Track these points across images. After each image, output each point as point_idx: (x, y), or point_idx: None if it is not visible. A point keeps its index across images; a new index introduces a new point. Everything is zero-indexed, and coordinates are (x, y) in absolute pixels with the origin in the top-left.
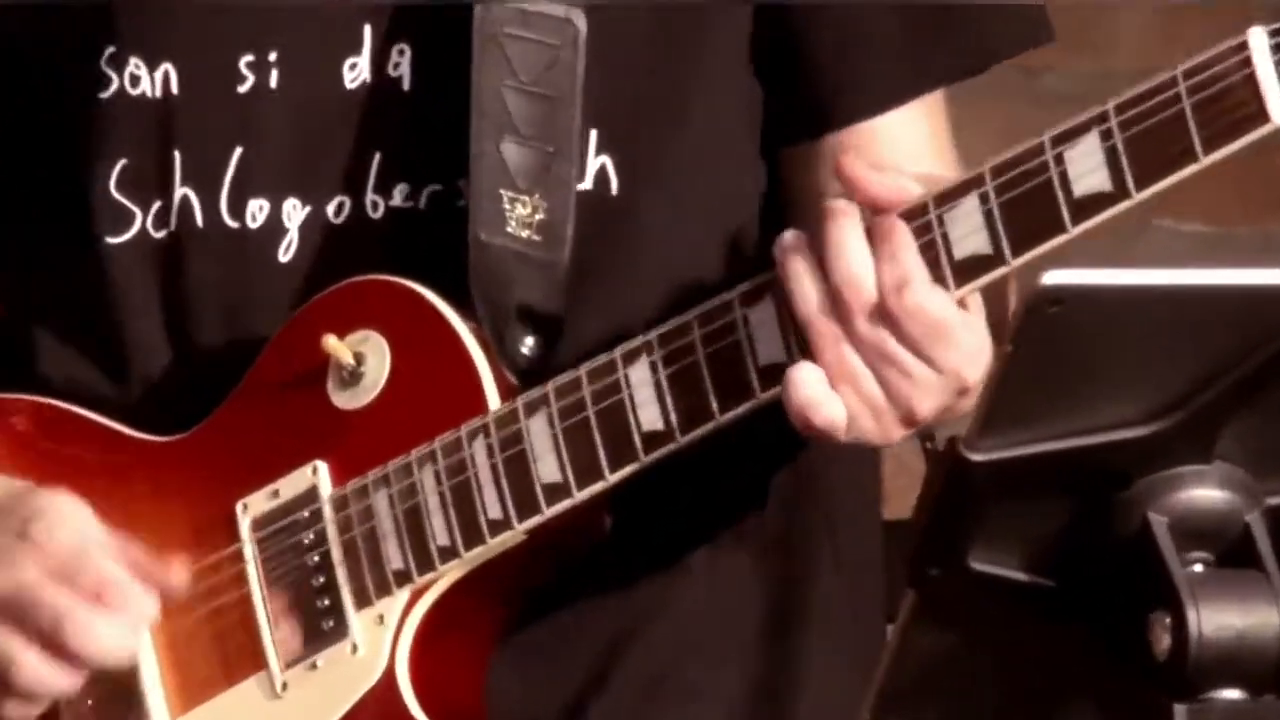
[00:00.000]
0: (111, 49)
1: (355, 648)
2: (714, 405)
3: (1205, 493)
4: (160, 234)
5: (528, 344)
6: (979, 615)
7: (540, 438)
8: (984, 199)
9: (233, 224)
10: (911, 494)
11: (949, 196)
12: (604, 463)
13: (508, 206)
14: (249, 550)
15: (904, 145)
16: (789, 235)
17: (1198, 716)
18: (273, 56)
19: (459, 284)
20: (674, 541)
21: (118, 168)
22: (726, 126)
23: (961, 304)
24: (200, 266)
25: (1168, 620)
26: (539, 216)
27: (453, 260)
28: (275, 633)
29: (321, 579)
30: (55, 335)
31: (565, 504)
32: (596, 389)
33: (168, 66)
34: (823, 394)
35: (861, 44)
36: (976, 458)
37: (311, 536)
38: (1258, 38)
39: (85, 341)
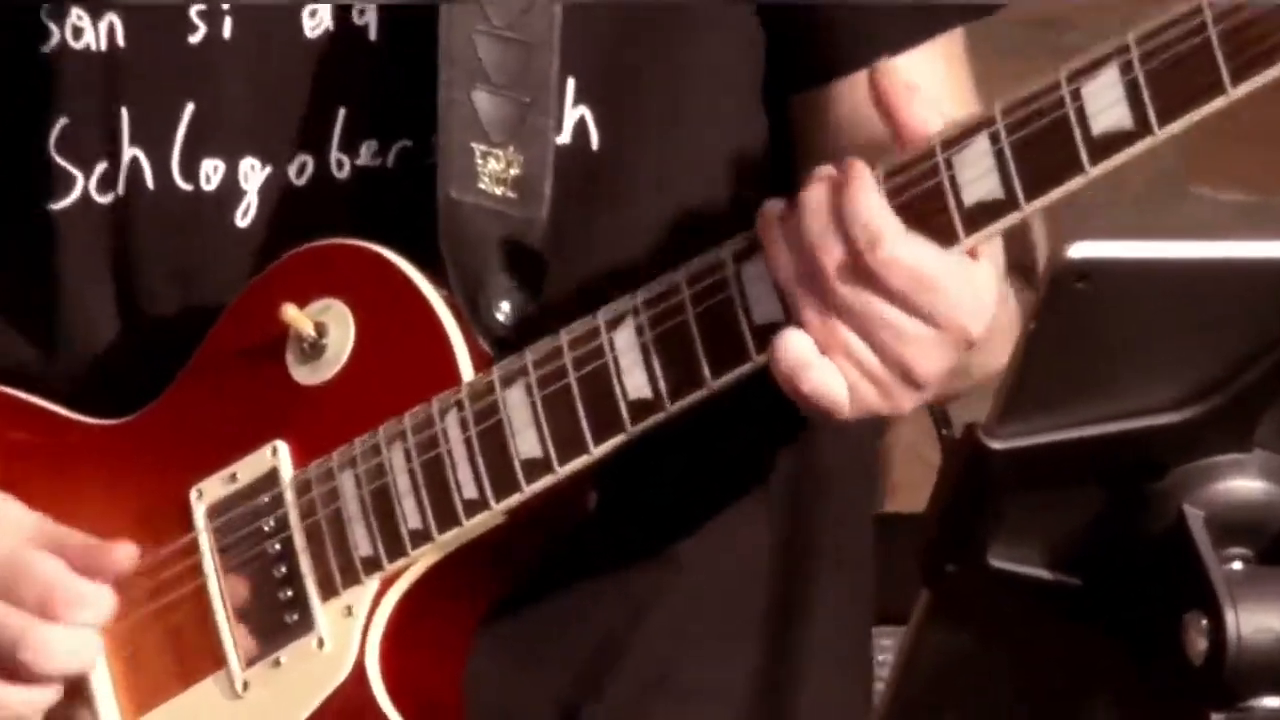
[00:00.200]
0: None
1: (321, 642)
2: (705, 370)
3: (1245, 484)
4: (106, 198)
5: (503, 310)
6: (998, 616)
7: (518, 410)
8: (994, 139)
9: (185, 186)
10: (925, 485)
11: (957, 138)
12: (588, 435)
13: (479, 161)
14: (204, 540)
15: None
16: (771, 203)
17: None
18: (226, 4)
19: (430, 247)
20: (668, 528)
21: (58, 127)
22: (722, 73)
23: (972, 252)
24: (150, 233)
25: (1204, 622)
26: (514, 171)
27: (424, 222)
28: (234, 628)
29: (284, 569)
30: None
31: (546, 480)
32: (578, 355)
33: (113, 17)
34: (813, 358)
35: None
36: (996, 445)
37: (272, 523)
38: None
39: (22, 317)
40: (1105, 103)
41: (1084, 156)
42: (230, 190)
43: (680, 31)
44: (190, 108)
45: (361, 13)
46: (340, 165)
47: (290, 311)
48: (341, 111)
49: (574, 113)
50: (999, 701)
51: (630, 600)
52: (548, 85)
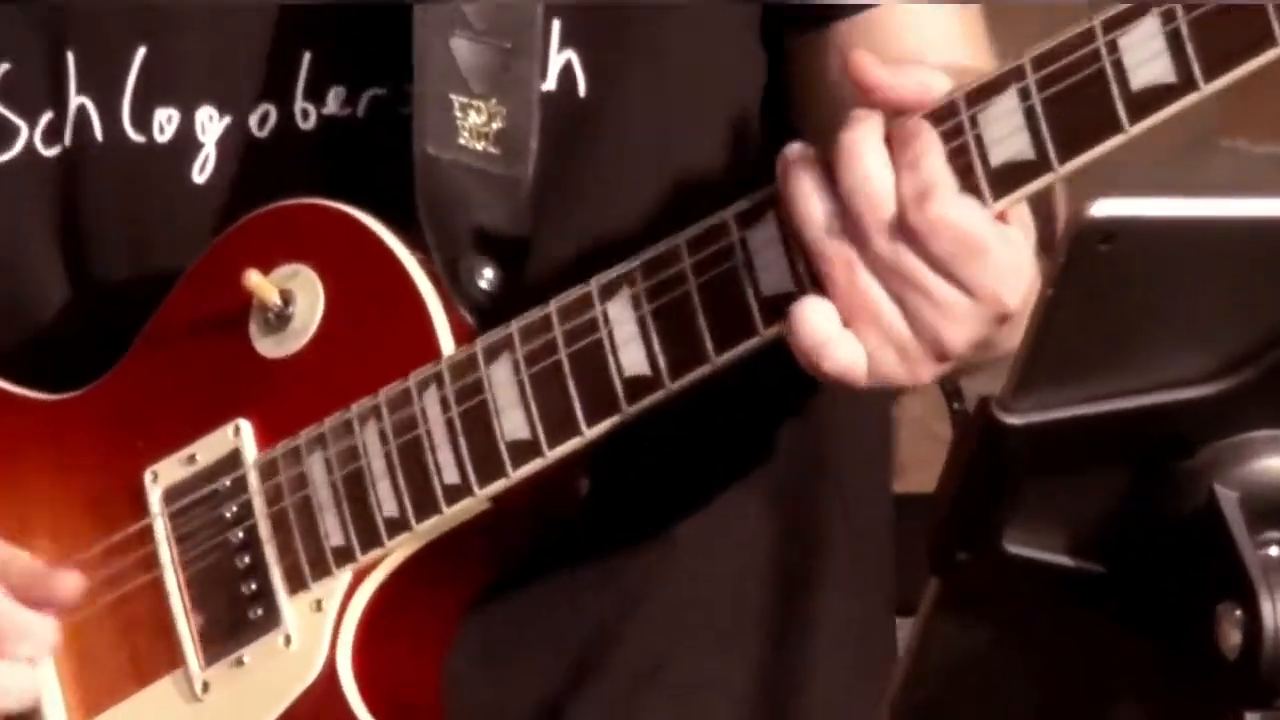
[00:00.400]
0: None
1: (289, 639)
2: (708, 345)
3: None
4: (51, 150)
5: (486, 277)
6: (1014, 607)
7: (504, 387)
8: (1024, 94)
9: (137, 138)
10: (935, 464)
11: (983, 93)
12: (580, 415)
13: (459, 114)
14: (160, 527)
15: (928, 32)
16: (794, 146)
17: None
18: None
19: (406, 207)
20: (663, 510)
21: None
22: (716, 13)
23: (1001, 217)
24: (99, 188)
25: (1238, 613)
26: (496, 125)
27: (398, 179)
28: (193, 624)
29: (247, 559)
30: None
31: (535, 464)
32: (570, 328)
33: None
34: (835, 332)
35: None
36: (1012, 421)
37: (234, 509)
38: None
39: None
40: (1145, 55)
41: (1122, 114)
42: (186, 142)
43: None
44: (142, 51)
45: None
46: (305, 115)
47: (253, 278)
48: (307, 56)
49: (559, 57)
50: (1014, 700)
51: (621, 589)
52: (532, 28)
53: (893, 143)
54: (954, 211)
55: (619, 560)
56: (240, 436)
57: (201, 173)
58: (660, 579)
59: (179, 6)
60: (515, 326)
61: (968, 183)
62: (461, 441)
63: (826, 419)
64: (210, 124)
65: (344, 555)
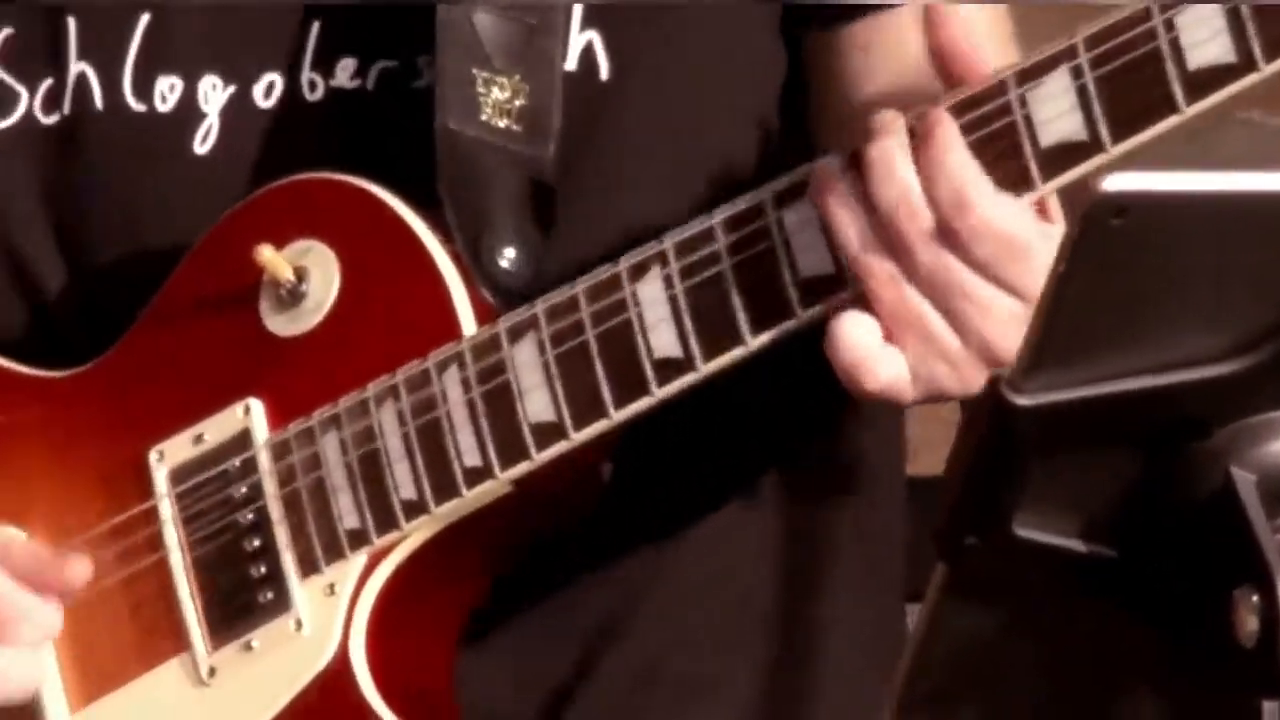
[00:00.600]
0: None
1: (300, 624)
2: (744, 328)
3: None
4: (51, 118)
5: (507, 256)
6: (1024, 593)
7: (528, 369)
8: (1076, 73)
9: (138, 106)
10: (943, 446)
11: (1033, 72)
12: (607, 398)
13: (481, 89)
14: (166, 507)
15: None
16: (827, 161)
17: None
18: None
19: (418, 183)
20: (670, 506)
21: (0, 38)
22: (738, 5)
23: (1042, 212)
24: (99, 157)
25: (1255, 598)
26: (519, 102)
27: (410, 154)
28: (200, 607)
29: (257, 541)
30: None
31: (560, 447)
32: (598, 309)
33: None
34: (876, 351)
35: None
36: (1023, 402)
37: (244, 490)
38: None
39: None
40: (1204, 35)
41: (1179, 94)
42: (188, 112)
43: None
44: (145, 18)
45: None
46: (313, 86)
47: (266, 253)
48: (315, 25)
49: (580, 38)
50: (1024, 689)
51: (627, 584)
52: (556, 4)
53: (914, 138)
54: (996, 213)
55: (625, 555)
56: (250, 416)
57: (203, 143)
58: (666, 575)
59: None
60: (540, 307)
61: (1017, 165)
62: (483, 423)
63: (839, 415)
64: (213, 93)
65: (359, 538)
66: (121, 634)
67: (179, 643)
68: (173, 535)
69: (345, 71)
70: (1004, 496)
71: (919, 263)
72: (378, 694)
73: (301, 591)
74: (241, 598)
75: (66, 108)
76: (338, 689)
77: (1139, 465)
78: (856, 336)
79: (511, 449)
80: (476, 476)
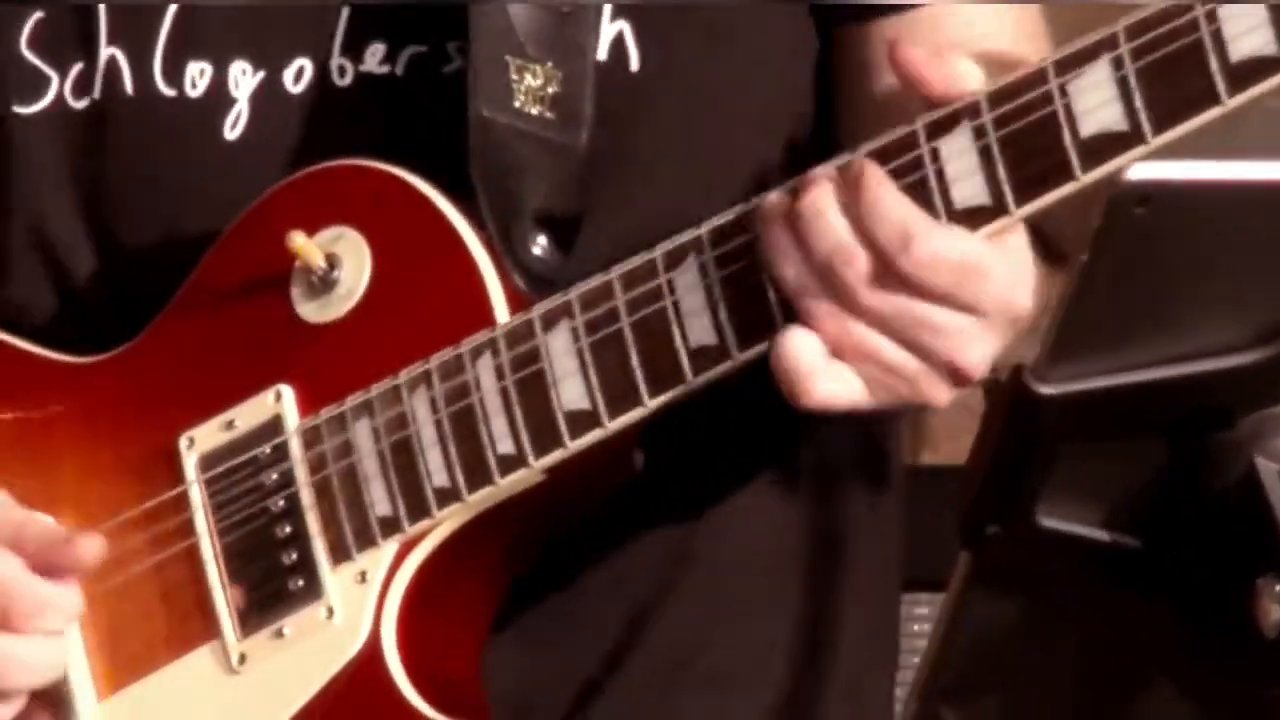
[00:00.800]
0: None
1: (331, 612)
2: (780, 316)
3: None
4: (81, 103)
5: (540, 244)
6: (1046, 582)
7: (562, 356)
8: (1118, 64)
9: (168, 91)
10: (967, 435)
11: (1073, 62)
12: (642, 386)
13: (515, 76)
14: (196, 494)
15: (978, 25)
16: (770, 201)
17: None
18: None
19: (449, 169)
20: (700, 494)
21: (30, 23)
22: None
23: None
24: (128, 142)
25: (1278, 589)
26: (552, 89)
27: (440, 140)
28: (230, 594)
29: (288, 529)
30: None
31: (594, 435)
32: (633, 297)
33: None
34: (816, 367)
35: None
36: (1047, 391)
37: (275, 477)
38: None
39: None
40: (1245, 26)
41: (1221, 86)
42: (218, 97)
43: None
44: (175, 3)
45: None
46: (343, 71)
47: (298, 240)
48: (345, 10)
49: (611, 28)
50: (1046, 677)
51: (659, 574)
52: None
53: (845, 189)
54: (944, 245)
55: (655, 548)
56: (281, 402)
57: (233, 129)
58: (695, 568)
59: None
60: (574, 294)
61: (1057, 157)
62: (517, 411)
63: None
64: (243, 79)
65: (391, 526)
66: (151, 621)
67: (209, 630)
68: (203, 522)
69: (375, 57)
70: (1027, 486)
71: (863, 305)
72: (408, 682)
73: (333, 579)
74: (272, 585)
75: (97, 92)
76: (368, 677)
77: (1162, 455)
78: (796, 351)
79: (545, 437)
80: (510, 464)
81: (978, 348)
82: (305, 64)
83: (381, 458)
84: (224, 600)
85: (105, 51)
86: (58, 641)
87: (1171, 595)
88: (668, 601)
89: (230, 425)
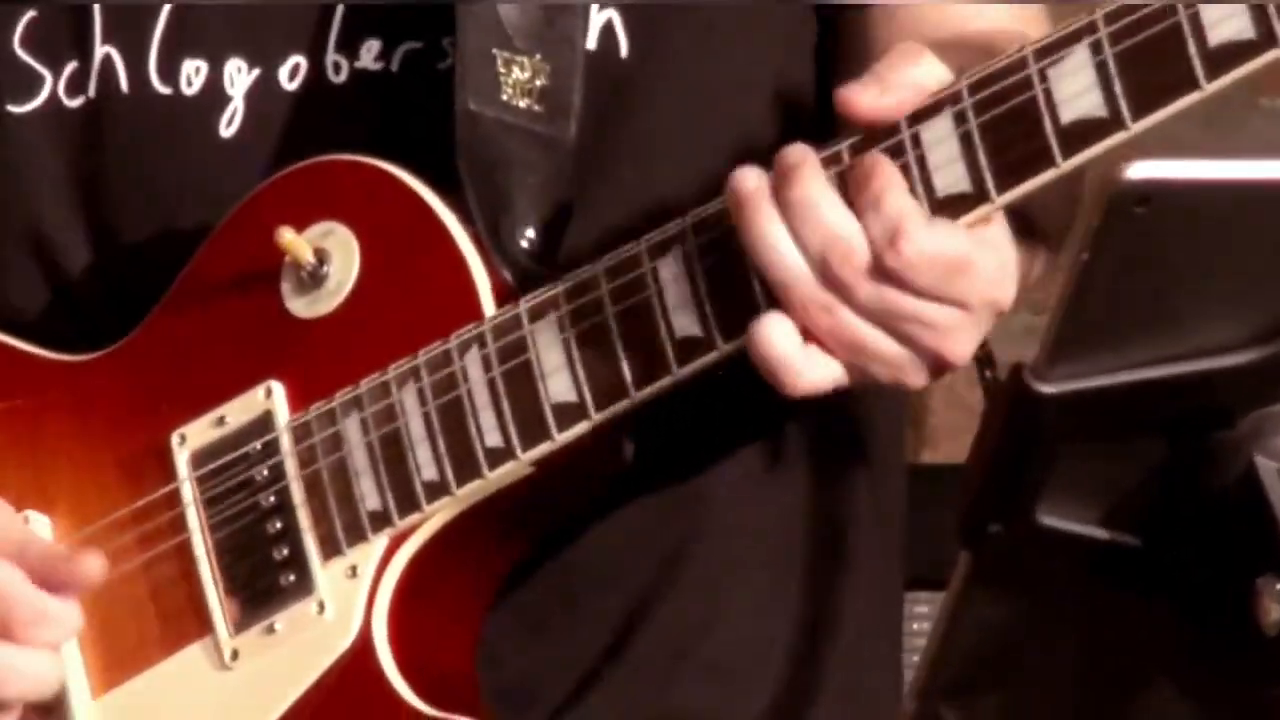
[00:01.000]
0: None
1: (322, 606)
2: (764, 305)
3: None
4: (75, 101)
5: (527, 237)
6: (1047, 581)
7: (549, 348)
8: (1096, 49)
9: (164, 89)
10: (966, 434)
11: (1053, 48)
12: (628, 377)
13: (502, 69)
14: (188, 490)
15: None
16: (746, 177)
17: None
18: None
19: (442, 164)
20: (699, 481)
21: (24, 21)
22: None
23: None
24: (124, 141)
25: (1278, 588)
26: (540, 82)
27: (434, 135)
28: (222, 590)
29: (279, 524)
30: None
31: (581, 428)
32: (617, 287)
33: None
34: (797, 354)
35: None
36: (1047, 390)
37: (266, 473)
38: None
39: None
40: (1224, 11)
41: (1199, 70)
42: (213, 95)
43: None
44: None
45: None
46: (338, 68)
47: (286, 235)
48: (340, 7)
49: (600, 16)
50: (1046, 676)
51: (660, 561)
52: None
53: (849, 182)
54: (929, 243)
55: (655, 538)
56: (272, 398)
57: (229, 126)
58: (698, 550)
59: None
60: (561, 286)
61: (1040, 143)
62: (505, 403)
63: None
64: (239, 76)
65: (380, 520)
66: (144, 619)
67: (201, 626)
68: (194, 519)
69: (370, 53)
70: (1027, 484)
71: (858, 299)
72: (400, 675)
73: (323, 574)
74: (263, 581)
75: (91, 91)
76: (360, 671)
77: (1162, 453)
78: (773, 339)
79: (533, 429)
80: (498, 457)
81: (964, 340)
82: (300, 61)
83: (371, 451)
84: (216, 597)
85: (100, 50)
86: (55, 656)
87: (1171, 594)
88: (668, 593)
89: (221, 421)
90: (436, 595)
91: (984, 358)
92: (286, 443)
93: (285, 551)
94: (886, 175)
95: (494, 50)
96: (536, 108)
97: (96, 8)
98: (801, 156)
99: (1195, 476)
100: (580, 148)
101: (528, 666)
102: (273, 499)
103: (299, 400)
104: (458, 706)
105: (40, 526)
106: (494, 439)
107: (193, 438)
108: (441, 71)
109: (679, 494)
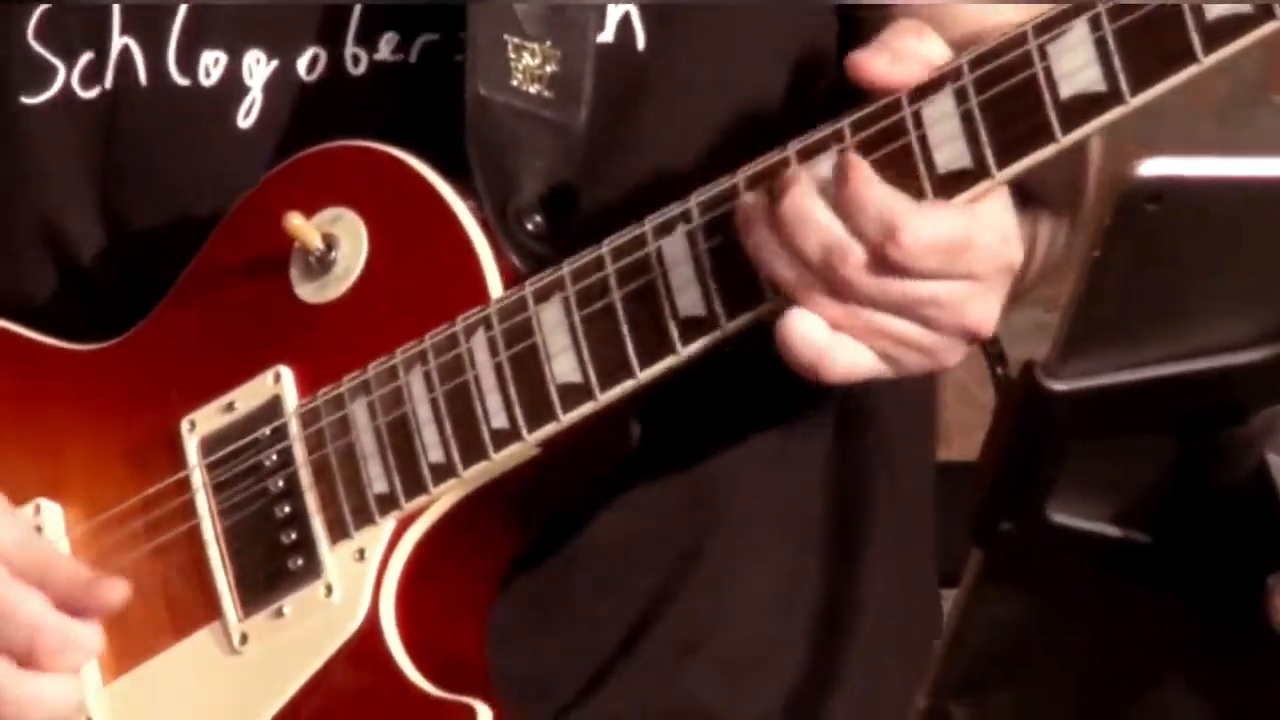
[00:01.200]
0: None
1: (330, 590)
2: (769, 286)
3: None
4: (91, 92)
5: (535, 221)
6: (1059, 579)
7: (555, 330)
8: (1095, 24)
9: (182, 81)
10: (978, 431)
11: (1054, 23)
12: (633, 357)
13: (512, 55)
14: (197, 476)
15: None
16: (747, 203)
17: None
18: None
19: (458, 154)
20: (713, 474)
21: (36, 14)
22: None
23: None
24: (140, 133)
25: None
26: (550, 68)
27: (451, 126)
28: (231, 575)
29: (287, 508)
30: None
31: (586, 409)
32: (622, 268)
33: None
34: (828, 343)
35: None
36: (1058, 387)
37: (274, 457)
38: None
39: None
40: None
41: (1197, 43)
42: (232, 86)
43: None
44: None
45: None
46: (356, 60)
47: (295, 221)
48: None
49: (618, 10)
50: (1057, 674)
51: (674, 553)
52: None
53: (834, 183)
54: (926, 229)
55: (670, 525)
56: (280, 383)
57: (247, 118)
58: (712, 544)
59: None
60: (566, 268)
61: (1039, 117)
62: (510, 385)
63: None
64: (257, 67)
65: (388, 503)
66: (153, 605)
67: (210, 611)
68: (204, 503)
69: (388, 45)
70: (1039, 482)
71: (864, 294)
72: (408, 658)
73: (331, 557)
74: (272, 565)
75: (109, 82)
76: (368, 654)
77: (1174, 451)
78: (805, 332)
79: (539, 411)
80: (504, 439)
81: (984, 307)
82: (319, 53)
83: (378, 435)
84: (225, 581)
85: (118, 41)
86: (77, 679)
87: (1182, 591)
88: (681, 587)
89: (230, 407)
90: (444, 578)
91: (996, 356)
92: (295, 427)
93: (293, 535)
94: (860, 172)
95: (505, 36)
96: (546, 93)
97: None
98: (794, 175)
99: (1206, 474)
100: (590, 134)
101: (541, 657)
102: (281, 483)
103: (307, 385)
104: (466, 689)
105: (51, 515)
106: (500, 421)
107: (202, 424)
108: (459, 63)
109: (692, 487)
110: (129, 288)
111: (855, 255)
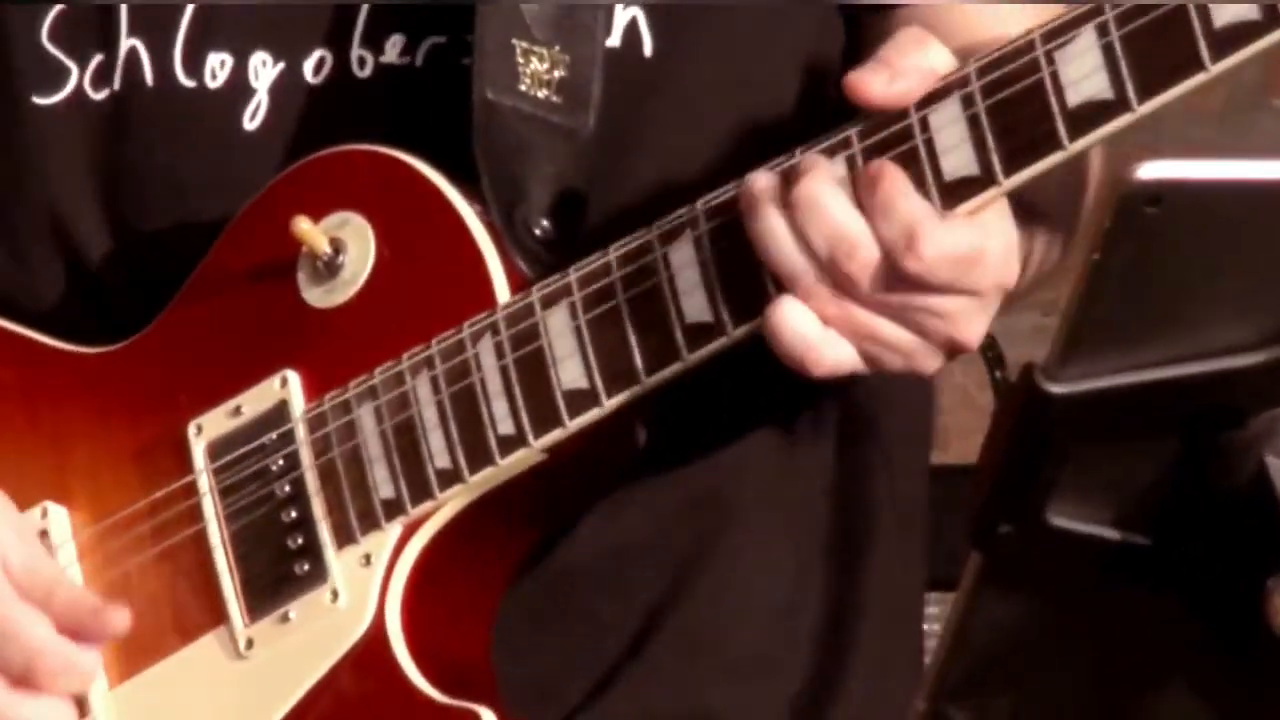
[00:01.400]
0: None
1: (336, 595)
2: (773, 291)
3: None
4: (100, 94)
5: (542, 226)
6: (1058, 582)
7: (561, 335)
8: (1103, 31)
9: (188, 83)
10: (977, 434)
11: (1061, 30)
12: (639, 363)
13: (520, 60)
14: (204, 481)
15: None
16: (760, 185)
17: None
18: None
19: (464, 158)
20: (719, 477)
21: (51, 14)
22: None
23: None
24: (148, 133)
25: None
26: (558, 73)
27: (457, 129)
28: (237, 579)
29: (294, 513)
30: None
31: (592, 415)
32: (629, 273)
33: None
34: (818, 336)
35: None
36: (1057, 390)
37: (281, 462)
38: None
39: (1, 227)
40: None
41: (1205, 51)
42: (238, 88)
43: None
44: None
45: None
46: (363, 63)
47: (302, 225)
48: (365, 2)
49: (625, 14)
50: (1057, 677)
51: (679, 558)
52: None
53: (858, 185)
54: (946, 242)
55: (676, 530)
56: (287, 388)
57: (253, 120)
58: (717, 549)
59: None
60: (573, 273)
61: (1046, 125)
62: (517, 391)
63: (872, 384)
64: (264, 70)
65: (394, 508)
66: (159, 609)
67: (216, 616)
68: (210, 508)
69: (394, 48)
70: (1038, 485)
71: (866, 295)
72: (413, 664)
73: (337, 562)
74: (278, 570)
75: (117, 84)
76: (373, 659)
77: (1173, 453)
78: (796, 323)
79: (545, 416)
80: (510, 444)
81: (976, 324)
82: (325, 55)
83: (385, 440)
84: (231, 586)
85: (126, 42)
86: (71, 705)
87: (1182, 594)
88: (687, 590)
89: (237, 411)
90: (450, 583)
91: (995, 359)
92: (301, 432)
93: (300, 540)
94: (894, 179)
95: (513, 40)
96: (554, 98)
97: (123, 3)
98: (813, 161)
99: (1206, 477)
100: (598, 139)
101: (547, 662)
102: (288, 488)
103: (314, 389)
104: (472, 695)
105: (58, 518)
106: (506, 426)
107: (209, 428)
108: (465, 66)
109: (698, 491)
110: (136, 289)
111: (863, 252)
